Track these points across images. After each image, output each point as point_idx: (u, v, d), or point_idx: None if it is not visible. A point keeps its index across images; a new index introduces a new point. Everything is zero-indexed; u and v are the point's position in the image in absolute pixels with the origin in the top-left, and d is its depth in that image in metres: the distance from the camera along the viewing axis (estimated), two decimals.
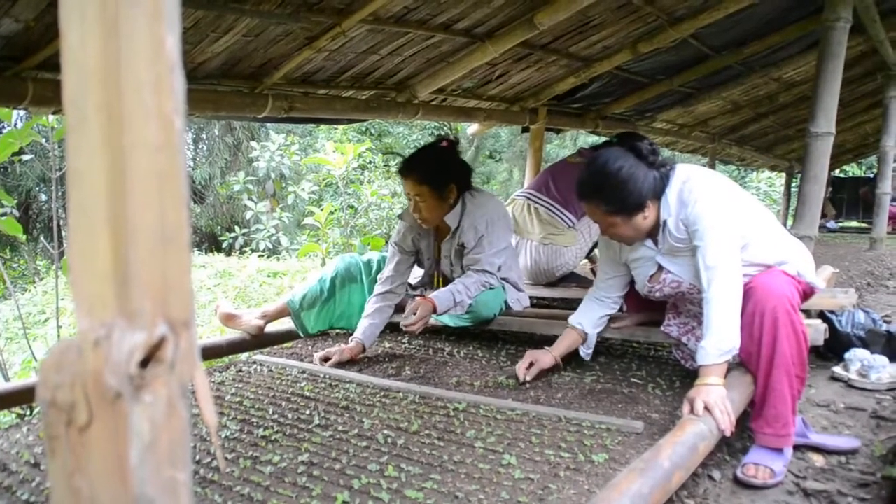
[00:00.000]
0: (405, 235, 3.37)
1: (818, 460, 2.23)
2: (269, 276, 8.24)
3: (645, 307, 2.77)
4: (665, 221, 2.27)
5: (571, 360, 2.88)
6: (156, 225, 0.60)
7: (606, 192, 2.23)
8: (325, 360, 2.96)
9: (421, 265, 3.48)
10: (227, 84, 3.17)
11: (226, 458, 2.02)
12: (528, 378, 2.56)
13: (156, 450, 0.61)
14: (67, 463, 0.63)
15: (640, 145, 2.26)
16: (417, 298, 2.99)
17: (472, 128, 5.38)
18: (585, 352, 2.71)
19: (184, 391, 0.62)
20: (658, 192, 2.25)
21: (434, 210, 3.14)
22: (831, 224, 12.25)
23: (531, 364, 2.59)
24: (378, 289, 3.31)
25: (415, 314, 2.90)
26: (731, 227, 2.15)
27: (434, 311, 2.96)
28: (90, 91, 0.60)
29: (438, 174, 3.11)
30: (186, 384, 0.62)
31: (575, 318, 2.67)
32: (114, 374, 0.59)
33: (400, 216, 3.41)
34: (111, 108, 0.59)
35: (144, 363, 0.60)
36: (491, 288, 3.16)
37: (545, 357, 2.61)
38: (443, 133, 17.00)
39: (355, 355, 3.03)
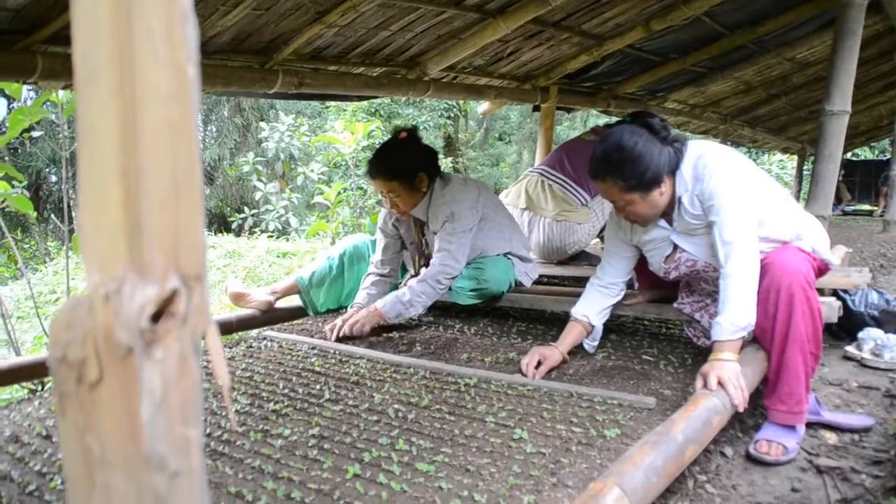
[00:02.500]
0: (386, 221, 3.41)
1: (831, 438, 2.22)
2: (278, 257, 8.25)
3: (657, 284, 2.75)
4: (680, 198, 2.24)
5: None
6: (168, 175, 0.58)
7: (623, 167, 2.18)
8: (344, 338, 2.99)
9: (407, 249, 3.50)
10: (237, 59, 3.15)
11: (237, 431, 2.02)
12: (537, 377, 2.38)
13: (167, 407, 0.60)
14: (78, 421, 0.62)
15: (652, 121, 2.23)
16: (368, 307, 3.04)
17: (482, 106, 5.35)
18: (591, 344, 2.64)
19: (196, 346, 0.61)
20: (673, 168, 2.22)
21: (409, 203, 3.18)
22: (841, 207, 12.17)
23: (539, 363, 2.44)
24: (371, 269, 3.39)
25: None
26: (747, 202, 2.12)
27: (382, 320, 2.99)
28: (102, 41, 0.58)
29: (405, 167, 3.12)
30: (199, 339, 0.61)
31: (579, 310, 2.56)
32: (125, 328, 0.58)
33: (379, 202, 3.43)
34: (123, 58, 0.58)
35: (156, 318, 0.59)
36: (451, 277, 3.11)
37: (554, 354, 2.46)
38: (451, 114, 16.86)
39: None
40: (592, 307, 2.56)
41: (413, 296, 3.02)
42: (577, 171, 4.06)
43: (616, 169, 2.20)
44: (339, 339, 2.94)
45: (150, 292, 0.58)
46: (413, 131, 3.22)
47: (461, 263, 3.12)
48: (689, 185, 2.21)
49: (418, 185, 3.15)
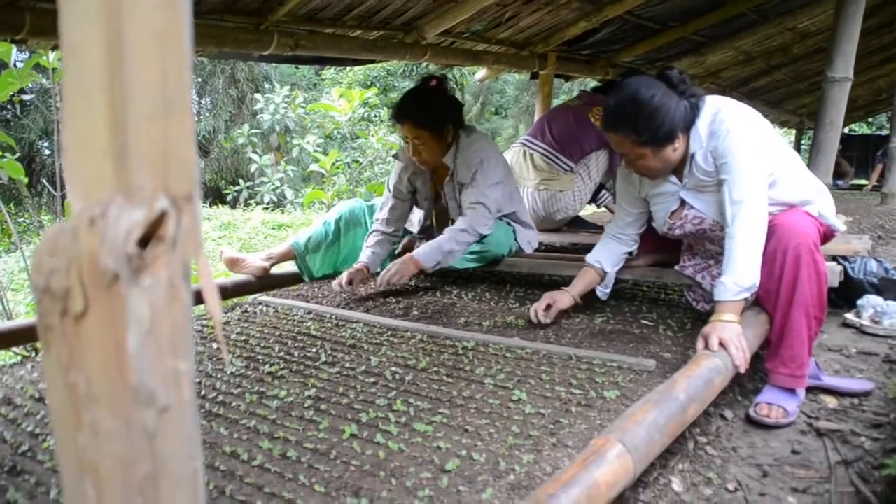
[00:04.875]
0: (401, 176, 3.35)
1: (831, 402, 2.20)
2: (273, 229, 8.21)
3: (657, 248, 2.72)
4: (693, 154, 2.18)
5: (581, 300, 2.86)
6: (156, 88, 0.55)
7: (637, 121, 2.12)
8: (349, 283, 3.03)
9: (420, 206, 3.44)
10: (230, 20, 3.08)
11: (231, 393, 1.99)
12: (546, 321, 2.46)
13: (156, 337, 0.57)
14: (62, 356, 0.59)
15: (671, 73, 2.16)
16: (403, 257, 2.97)
17: (480, 73, 5.28)
18: (603, 291, 2.64)
19: (186, 273, 0.58)
20: (688, 123, 2.16)
21: (434, 152, 3.12)
22: (840, 182, 12.13)
23: (548, 306, 2.49)
24: (376, 227, 3.33)
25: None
26: (760, 163, 2.08)
27: (419, 269, 2.93)
28: None
29: (435, 116, 3.07)
30: (189, 265, 0.58)
31: (593, 257, 2.58)
32: (110, 254, 0.55)
33: (395, 156, 3.36)
34: None
35: (144, 243, 0.55)
36: (482, 237, 3.07)
37: (563, 297, 2.51)
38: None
39: (364, 277, 3.12)
40: (606, 254, 2.57)
41: (453, 245, 2.98)
42: (559, 137, 4.02)
43: (630, 122, 2.14)
44: (343, 300, 2.93)
45: (138, 215, 0.55)
46: (442, 80, 3.17)
47: (493, 218, 3.12)
48: (704, 141, 2.15)
49: (445, 135, 3.11)
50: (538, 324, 2.51)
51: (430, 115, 3.05)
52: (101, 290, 0.56)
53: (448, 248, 2.97)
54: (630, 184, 2.48)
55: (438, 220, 3.39)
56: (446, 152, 3.14)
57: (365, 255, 3.21)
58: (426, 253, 2.95)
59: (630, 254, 2.65)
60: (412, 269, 2.92)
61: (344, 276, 3.02)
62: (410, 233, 3.57)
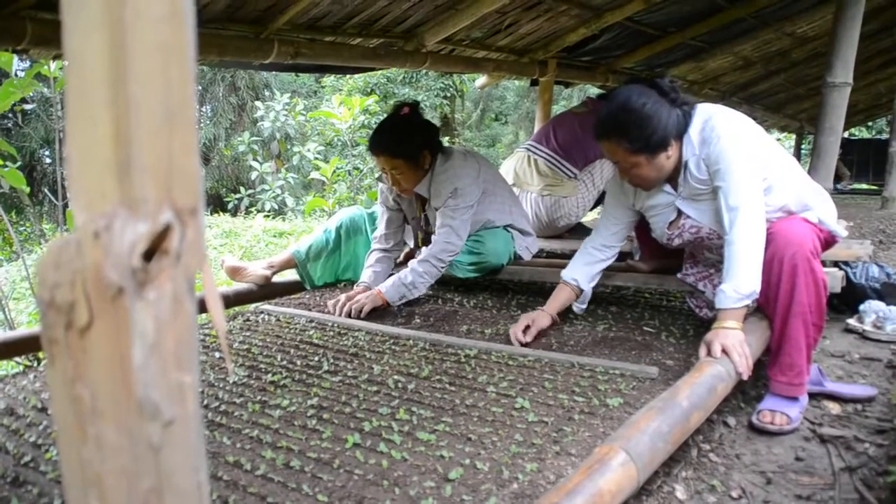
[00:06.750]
0: (387, 196, 3.35)
1: (834, 408, 2.20)
2: (274, 236, 8.22)
3: (660, 253, 2.72)
4: (687, 162, 2.19)
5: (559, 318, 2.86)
6: (160, 102, 0.55)
7: (629, 129, 2.12)
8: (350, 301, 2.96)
9: (409, 223, 3.45)
10: (231, 28, 3.09)
11: (234, 403, 1.99)
12: (527, 340, 2.41)
13: (161, 350, 0.57)
14: (67, 370, 0.59)
15: (661, 82, 2.17)
16: (372, 290, 2.98)
17: (480, 80, 5.29)
18: (579, 307, 2.63)
19: (191, 286, 0.58)
20: (681, 131, 2.17)
21: (412, 180, 3.11)
22: (841, 185, 12.12)
23: (527, 327, 2.45)
24: (375, 246, 3.33)
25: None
26: (754, 168, 2.08)
27: (385, 303, 2.93)
28: None
29: (410, 145, 3.04)
30: (193, 278, 0.58)
31: (569, 274, 2.55)
32: (115, 267, 0.55)
33: (379, 178, 3.35)
34: None
35: (148, 256, 0.55)
36: (453, 254, 3.04)
37: (542, 318, 2.48)
38: (447, 94, 16.69)
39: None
40: (583, 271, 2.55)
41: (415, 277, 2.96)
42: (564, 144, 4.03)
43: (622, 130, 2.14)
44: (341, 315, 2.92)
45: (142, 228, 0.55)
46: (415, 107, 3.14)
47: (462, 240, 3.06)
48: (697, 149, 2.16)
49: (422, 162, 3.08)
50: (519, 344, 2.44)
51: (404, 145, 3.03)
52: (105, 303, 0.56)
53: (410, 279, 2.96)
54: (623, 193, 2.48)
55: (426, 244, 3.36)
56: (422, 179, 3.12)
57: (366, 276, 3.20)
58: (391, 288, 2.95)
59: (630, 256, 2.65)
60: (378, 302, 2.92)
61: (342, 299, 2.99)
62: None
